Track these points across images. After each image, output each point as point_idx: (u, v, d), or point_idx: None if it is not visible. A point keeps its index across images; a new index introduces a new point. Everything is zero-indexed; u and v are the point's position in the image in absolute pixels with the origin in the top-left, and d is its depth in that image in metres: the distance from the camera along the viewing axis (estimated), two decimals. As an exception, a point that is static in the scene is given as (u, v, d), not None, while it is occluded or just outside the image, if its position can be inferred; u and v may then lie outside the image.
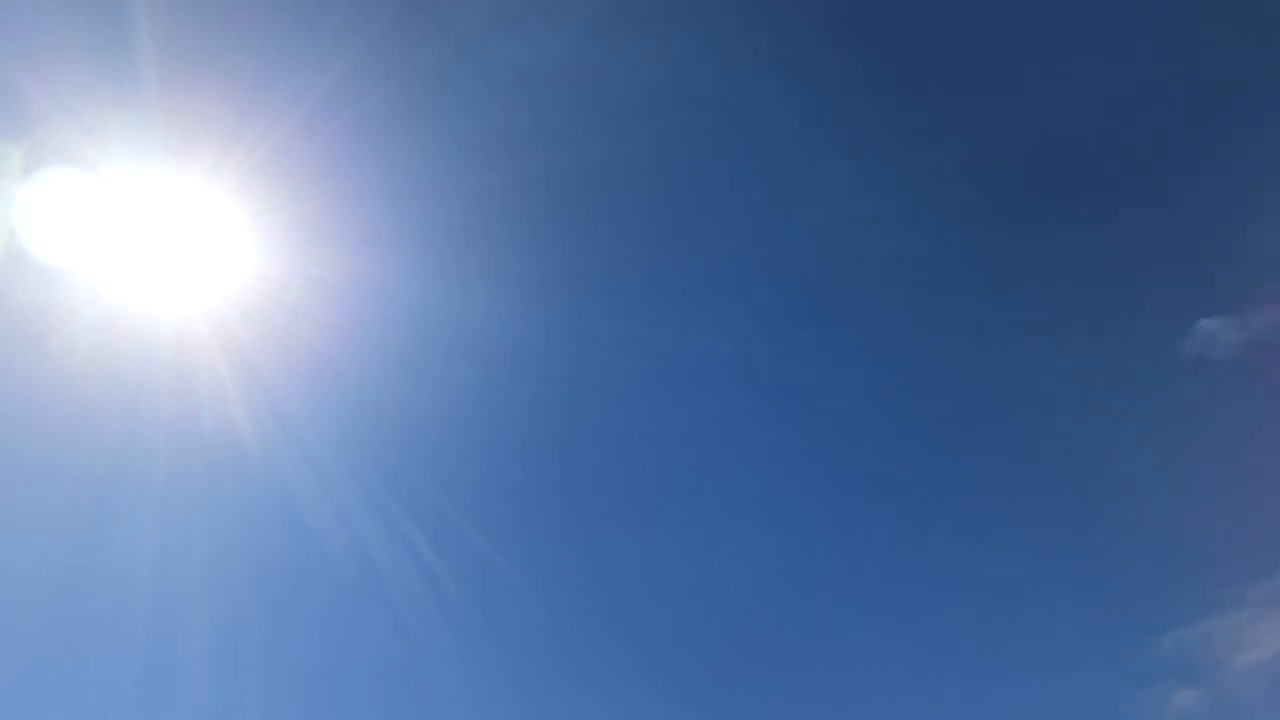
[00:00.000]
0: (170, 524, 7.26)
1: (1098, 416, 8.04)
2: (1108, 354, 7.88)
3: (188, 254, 6.77)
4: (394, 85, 6.52)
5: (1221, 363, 7.47)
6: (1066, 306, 7.94)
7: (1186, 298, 7.63)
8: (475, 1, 6.60)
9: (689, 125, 7.43)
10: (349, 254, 6.91)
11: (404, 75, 6.53)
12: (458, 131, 6.89)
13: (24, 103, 6.18)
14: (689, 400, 8.16)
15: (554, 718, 8.29)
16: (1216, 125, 7.38)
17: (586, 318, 7.53)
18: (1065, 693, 8.07)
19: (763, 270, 7.94)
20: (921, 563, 8.44)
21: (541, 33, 6.63)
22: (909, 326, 8.03)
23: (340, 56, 6.23)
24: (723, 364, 8.01)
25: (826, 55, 7.36)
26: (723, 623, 8.58)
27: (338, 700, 8.04)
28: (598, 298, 7.64)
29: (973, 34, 7.28)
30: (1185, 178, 7.57)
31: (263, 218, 6.66)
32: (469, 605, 7.95)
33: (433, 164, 6.95)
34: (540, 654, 8.40)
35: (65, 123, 6.20)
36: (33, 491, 7.22)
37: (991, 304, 8.04)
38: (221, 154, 6.30)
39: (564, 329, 7.45)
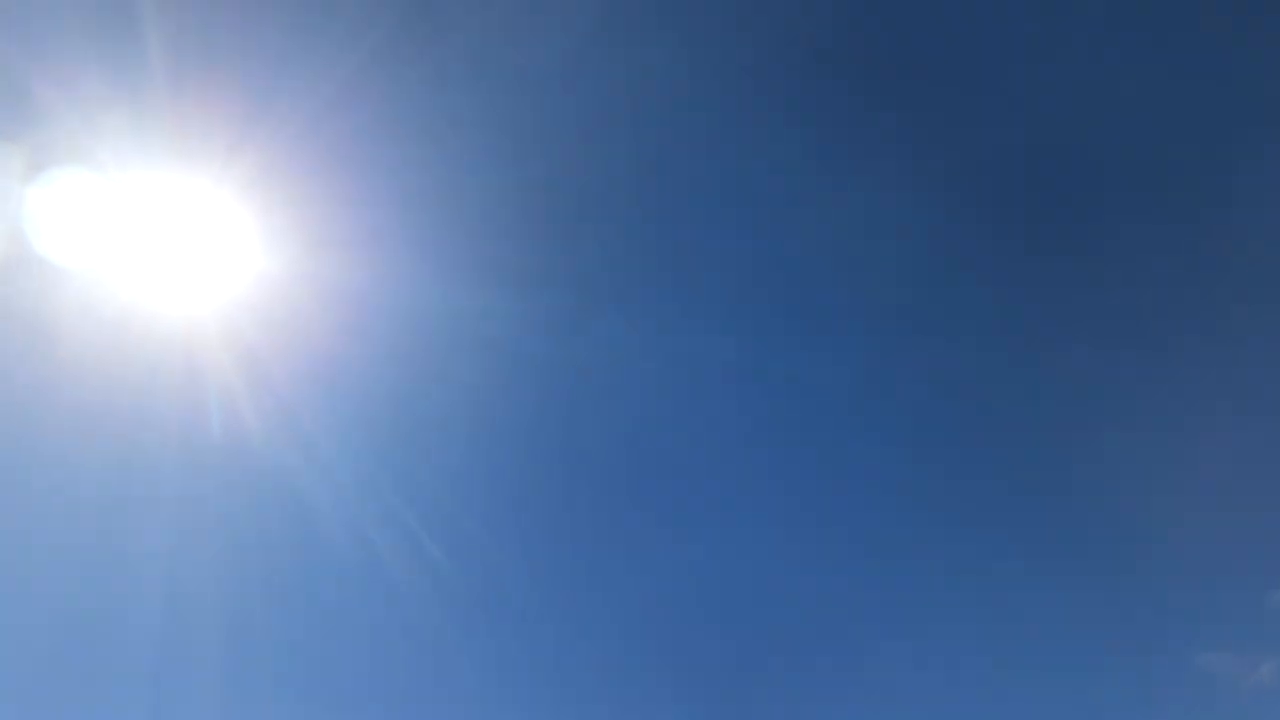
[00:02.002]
0: (177, 523, 7.31)
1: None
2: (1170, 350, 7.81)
3: (195, 254, 6.79)
4: (401, 88, 6.54)
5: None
6: (1075, 306, 7.95)
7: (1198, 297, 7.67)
8: (481, 6, 6.62)
9: (692, 127, 7.44)
10: (357, 255, 6.93)
11: (411, 78, 6.55)
12: (466, 134, 6.91)
13: (31, 102, 6.20)
14: (694, 400, 8.18)
15: (560, 714, 8.34)
16: (1221, 124, 7.37)
17: (591, 319, 7.57)
18: (1144, 656, 8.15)
19: (767, 271, 7.96)
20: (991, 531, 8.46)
21: (547, 37, 6.65)
22: (916, 327, 8.04)
23: (347, 59, 6.25)
24: (727, 365, 8.02)
25: (829, 56, 7.38)
26: (729, 622, 8.61)
27: (346, 699, 8.09)
28: (603, 300, 7.67)
29: (978, 34, 7.29)
30: (1192, 177, 7.58)
31: (270, 218, 6.67)
32: (477, 604, 8.01)
33: (440, 166, 6.97)
34: (547, 653, 8.45)
35: (72, 123, 6.22)
36: (39, 491, 7.26)
37: (1000, 304, 8.04)
38: (228, 155, 6.32)
39: (570, 330, 7.49)
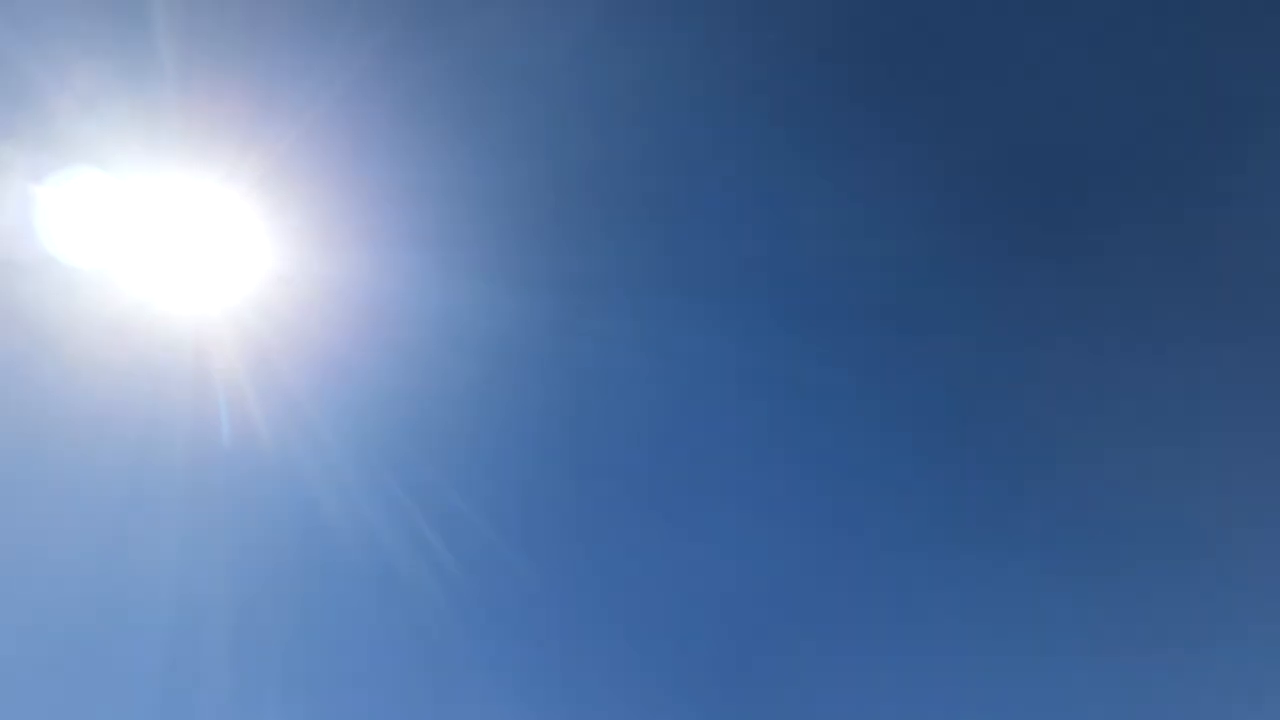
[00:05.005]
0: (187, 523, 7.37)
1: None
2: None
3: (205, 254, 6.84)
4: (410, 86, 6.60)
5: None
6: (1081, 307, 7.95)
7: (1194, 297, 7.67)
8: (486, 7, 6.67)
9: (695, 127, 7.48)
10: (366, 254, 6.99)
11: (418, 77, 6.61)
12: (472, 133, 6.96)
13: (37, 101, 6.25)
14: (698, 400, 8.21)
15: (565, 714, 8.38)
16: (1222, 123, 7.37)
17: (598, 317, 7.60)
18: (1144, 656, 8.17)
19: (771, 270, 7.98)
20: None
21: (551, 37, 6.71)
22: (919, 328, 8.05)
23: (356, 59, 6.31)
24: (731, 364, 8.05)
25: (831, 56, 7.41)
26: (733, 622, 8.64)
27: (355, 696, 8.13)
28: (609, 298, 7.70)
29: (979, 34, 7.31)
30: (1192, 178, 7.58)
31: (280, 218, 6.73)
32: (483, 603, 8.05)
33: (448, 165, 7.02)
34: (552, 651, 8.50)
35: (79, 122, 6.28)
36: (47, 491, 7.31)
37: (1004, 305, 8.06)
38: (238, 155, 6.38)
39: (576, 328, 7.52)
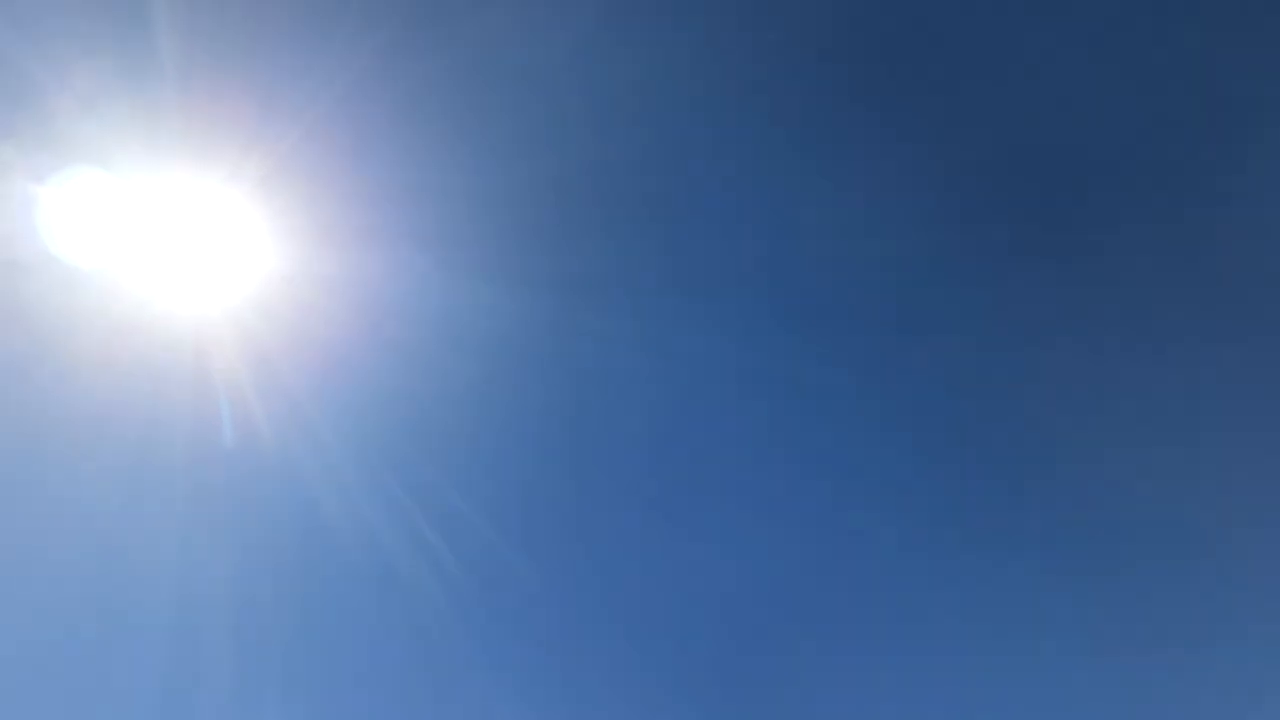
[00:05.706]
0: (187, 522, 7.38)
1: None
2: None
3: (205, 254, 6.85)
4: (410, 86, 6.61)
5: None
6: (1077, 307, 7.95)
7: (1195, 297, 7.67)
8: (486, 7, 6.68)
9: (695, 127, 7.48)
10: (366, 254, 7.00)
11: (418, 77, 6.63)
12: (472, 133, 6.98)
13: (42, 103, 6.26)
14: (698, 400, 8.21)
15: (565, 714, 8.39)
16: (1222, 123, 7.37)
17: (598, 317, 7.60)
18: (1146, 656, 8.18)
19: (771, 270, 7.98)
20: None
21: (551, 37, 6.72)
22: (920, 328, 8.05)
23: (356, 59, 6.32)
24: (731, 364, 8.05)
25: (831, 56, 7.41)
26: (733, 622, 8.64)
27: (355, 696, 8.14)
28: (609, 298, 7.70)
29: (979, 34, 7.31)
30: (1192, 178, 7.57)
31: (280, 218, 6.74)
32: (485, 603, 8.06)
33: (448, 165, 7.03)
34: (553, 651, 8.51)
35: (83, 123, 6.29)
36: (49, 492, 7.33)
37: (1003, 305, 8.05)
38: (238, 155, 6.39)
39: (576, 328, 7.53)
